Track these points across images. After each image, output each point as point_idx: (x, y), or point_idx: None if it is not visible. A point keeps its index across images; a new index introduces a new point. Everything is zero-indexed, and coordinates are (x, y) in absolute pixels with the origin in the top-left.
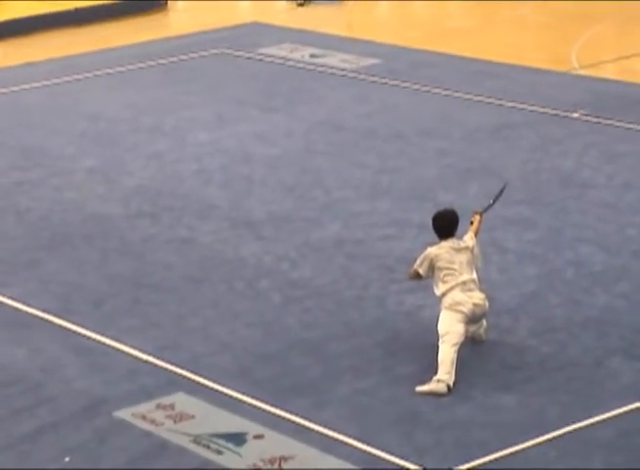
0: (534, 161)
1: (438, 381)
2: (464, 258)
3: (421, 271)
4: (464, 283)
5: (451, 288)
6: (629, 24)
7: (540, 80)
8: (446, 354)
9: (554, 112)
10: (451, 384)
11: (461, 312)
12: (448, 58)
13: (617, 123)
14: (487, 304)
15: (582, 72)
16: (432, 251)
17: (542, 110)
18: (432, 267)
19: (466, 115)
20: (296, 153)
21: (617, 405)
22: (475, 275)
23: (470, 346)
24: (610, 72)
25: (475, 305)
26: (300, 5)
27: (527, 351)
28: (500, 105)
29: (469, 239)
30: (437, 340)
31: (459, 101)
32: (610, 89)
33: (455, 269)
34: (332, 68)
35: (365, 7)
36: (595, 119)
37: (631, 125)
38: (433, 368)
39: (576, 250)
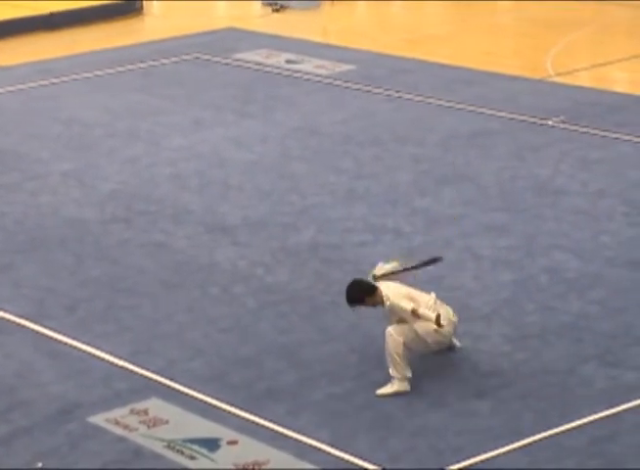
0: (510, 168)
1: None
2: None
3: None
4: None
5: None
6: (604, 32)
7: (516, 88)
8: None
9: (530, 119)
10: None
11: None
12: (424, 64)
13: (593, 131)
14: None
15: (558, 80)
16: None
17: (518, 117)
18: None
19: (442, 121)
20: (271, 158)
21: (591, 412)
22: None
23: (443, 352)
24: (585, 80)
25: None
26: (276, 11)
27: (501, 357)
28: (476, 112)
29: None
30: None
31: (435, 107)
32: (585, 97)
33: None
34: (307, 73)
35: (341, 13)
36: (570, 127)
37: (606, 133)
38: None
39: (551, 256)
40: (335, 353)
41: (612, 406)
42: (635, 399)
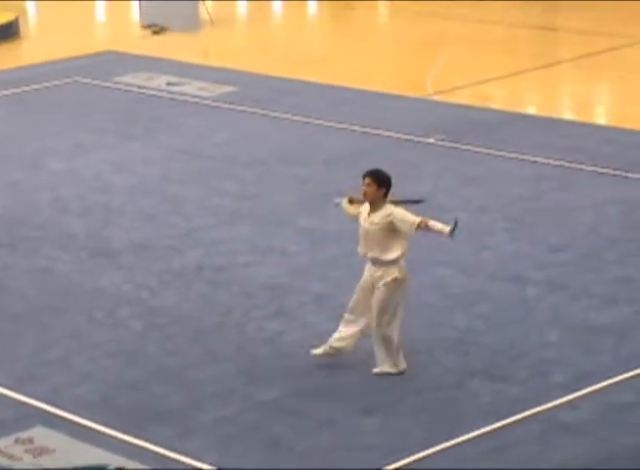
0: (392, 186)
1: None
2: None
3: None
4: None
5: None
6: (482, 50)
7: (396, 106)
8: (397, 336)
9: (410, 137)
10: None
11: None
12: (306, 85)
13: (472, 148)
14: None
15: (437, 98)
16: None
17: (398, 135)
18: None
19: (325, 141)
20: (154, 181)
21: (479, 426)
22: None
23: (329, 369)
24: (464, 98)
25: None
26: (155, 33)
27: (389, 373)
28: (358, 131)
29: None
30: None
31: (318, 128)
32: (464, 114)
33: None
34: (189, 95)
35: (221, 34)
36: (450, 144)
37: (485, 150)
38: (295, 393)
39: (435, 272)
40: (222, 375)
41: (498, 420)
42: (520, 411)
